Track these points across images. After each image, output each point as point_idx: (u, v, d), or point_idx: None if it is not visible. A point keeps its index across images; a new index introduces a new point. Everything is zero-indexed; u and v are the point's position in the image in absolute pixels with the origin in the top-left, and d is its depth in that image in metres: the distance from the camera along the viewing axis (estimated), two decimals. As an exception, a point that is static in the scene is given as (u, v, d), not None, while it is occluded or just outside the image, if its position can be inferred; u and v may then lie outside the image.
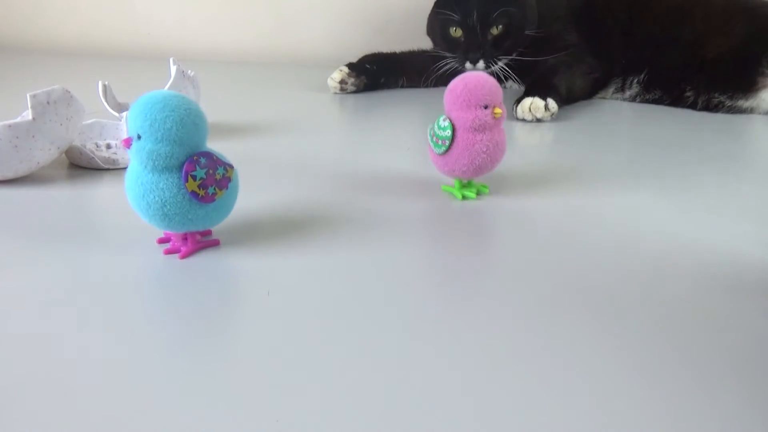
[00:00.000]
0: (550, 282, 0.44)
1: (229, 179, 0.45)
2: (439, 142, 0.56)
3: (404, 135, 0.86)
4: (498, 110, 0.54)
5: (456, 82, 0.55)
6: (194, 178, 0.43)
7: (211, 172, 0.43)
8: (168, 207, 0.43)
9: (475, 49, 1.08)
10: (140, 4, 1.43)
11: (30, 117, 0.58)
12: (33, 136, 0.58)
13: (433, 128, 0.58)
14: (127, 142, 0.42)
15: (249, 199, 0.58)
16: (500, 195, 0.61)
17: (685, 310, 0.41)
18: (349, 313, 0.40)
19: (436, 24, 1.13)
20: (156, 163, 0.42)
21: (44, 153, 0.60)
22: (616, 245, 0.51)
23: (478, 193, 0.61)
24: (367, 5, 1.42)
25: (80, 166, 0.66)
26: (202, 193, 0.43)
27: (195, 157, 0.43)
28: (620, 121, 0.98)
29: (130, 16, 1.43)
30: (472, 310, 0.41)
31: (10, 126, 0.57)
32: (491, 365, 0.35)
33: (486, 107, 0.54)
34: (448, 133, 0.55)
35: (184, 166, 0.43)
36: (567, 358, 0.36)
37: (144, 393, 0.32)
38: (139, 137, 0.42)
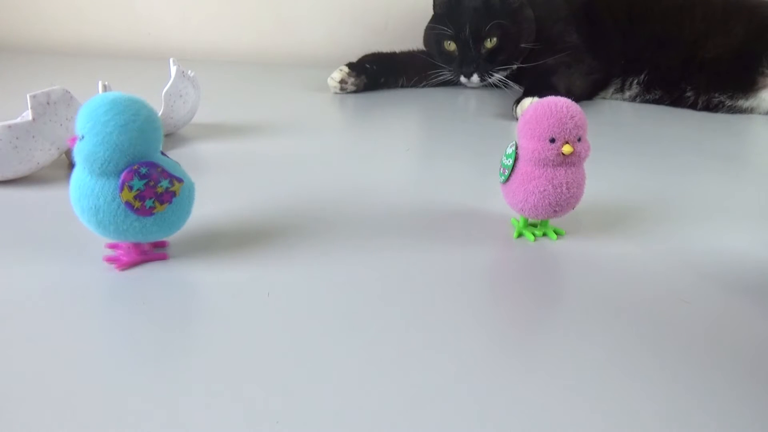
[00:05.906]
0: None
1: (173, 194, 0.42)
2: (501, 170, 0.51)
3: (404, 135, 0.86)
4: (568, 147, 0.45)
5: (530, 106, 0.48)
6: (130, 188, 0.40)
7: (151, 184, 0.40)
8: (101, 214, 0.41)
9: (469, 62, 1.10)
10: (140, 3, 1.43)
11: (30, 117, 0.58)
12: (33, 137, 0.58)
13: (503, 153, 0.52)
14: (73, 141, 0.41)
15: (246, 200, 0.58)
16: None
17: (684, 310, 0.41)
18: (351, 317, 0.40)
19: (432, 38, 1.15)
20: (93, 166, 0.40)
21: (44, 153, 0.60)
22: (612, 243, 0.51)
23: (544, 235, 0.52)
24: (367, 5, 1.42)
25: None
26: (137, 205, 0.40)
27: (136, 167, 0.40)
28: (620, 121, 0.98)
29: (130, 15, 1.43)
30: (457, 309, 0.41)
31: (10, 126, 0.57)
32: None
33: (553, 141, 0.46)
34: (509, 162, 0.49)
35: (122, 175, 0.40)
36: (558, 348, 0.36)
37: (141, 395, 0.32)
38: (82, 138, 0.40)
